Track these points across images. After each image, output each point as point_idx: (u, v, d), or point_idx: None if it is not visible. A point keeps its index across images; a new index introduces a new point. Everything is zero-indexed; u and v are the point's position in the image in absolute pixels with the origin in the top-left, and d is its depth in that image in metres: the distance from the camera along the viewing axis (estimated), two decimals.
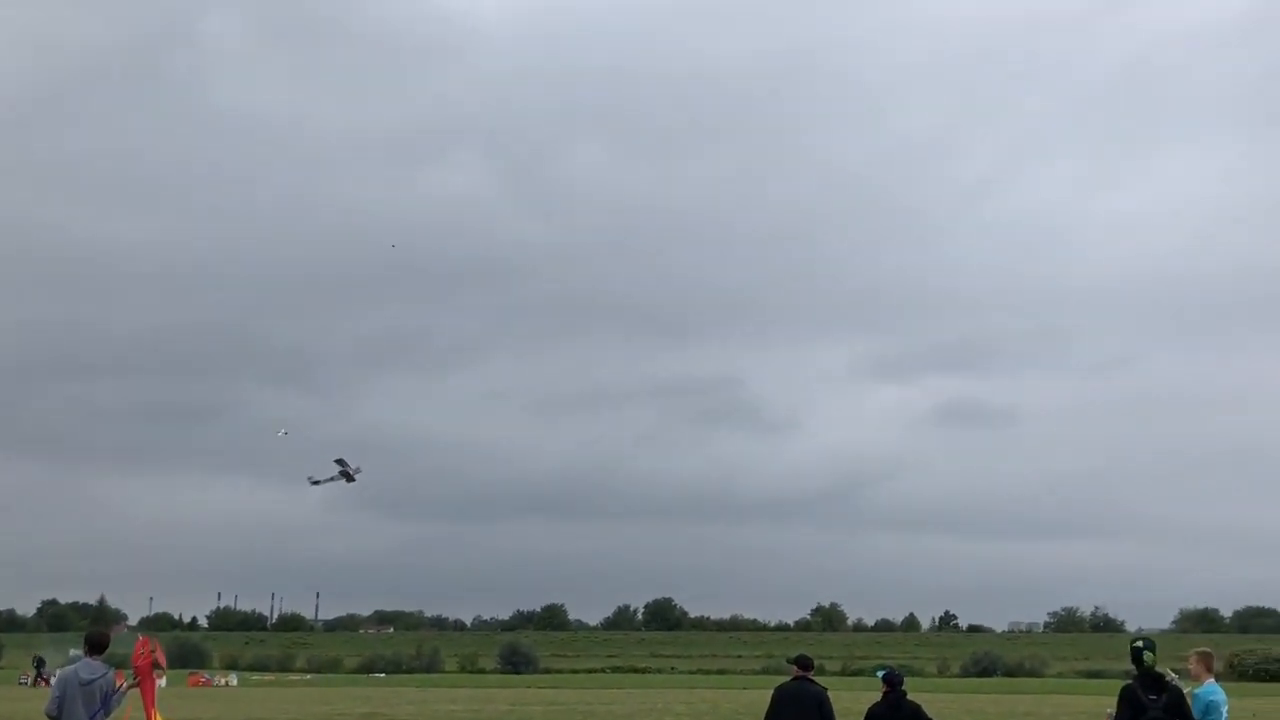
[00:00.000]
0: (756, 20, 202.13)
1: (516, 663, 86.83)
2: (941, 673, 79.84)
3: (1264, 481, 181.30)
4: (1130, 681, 9.30)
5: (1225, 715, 9.97)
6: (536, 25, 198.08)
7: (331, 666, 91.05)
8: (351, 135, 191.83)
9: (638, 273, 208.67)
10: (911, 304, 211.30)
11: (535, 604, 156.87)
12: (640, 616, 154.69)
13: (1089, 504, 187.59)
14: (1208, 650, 10.53)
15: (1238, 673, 66.13)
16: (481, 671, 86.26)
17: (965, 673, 78.25)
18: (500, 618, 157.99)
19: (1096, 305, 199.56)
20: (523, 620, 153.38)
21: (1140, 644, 9.51)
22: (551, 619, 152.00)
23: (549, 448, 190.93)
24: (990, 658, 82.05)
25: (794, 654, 11.73)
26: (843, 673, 78.02)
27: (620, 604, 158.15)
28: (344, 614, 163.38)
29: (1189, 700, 9.65)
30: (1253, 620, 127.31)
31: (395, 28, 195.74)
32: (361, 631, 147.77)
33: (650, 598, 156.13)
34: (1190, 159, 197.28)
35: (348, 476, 42.43)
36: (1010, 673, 77.50)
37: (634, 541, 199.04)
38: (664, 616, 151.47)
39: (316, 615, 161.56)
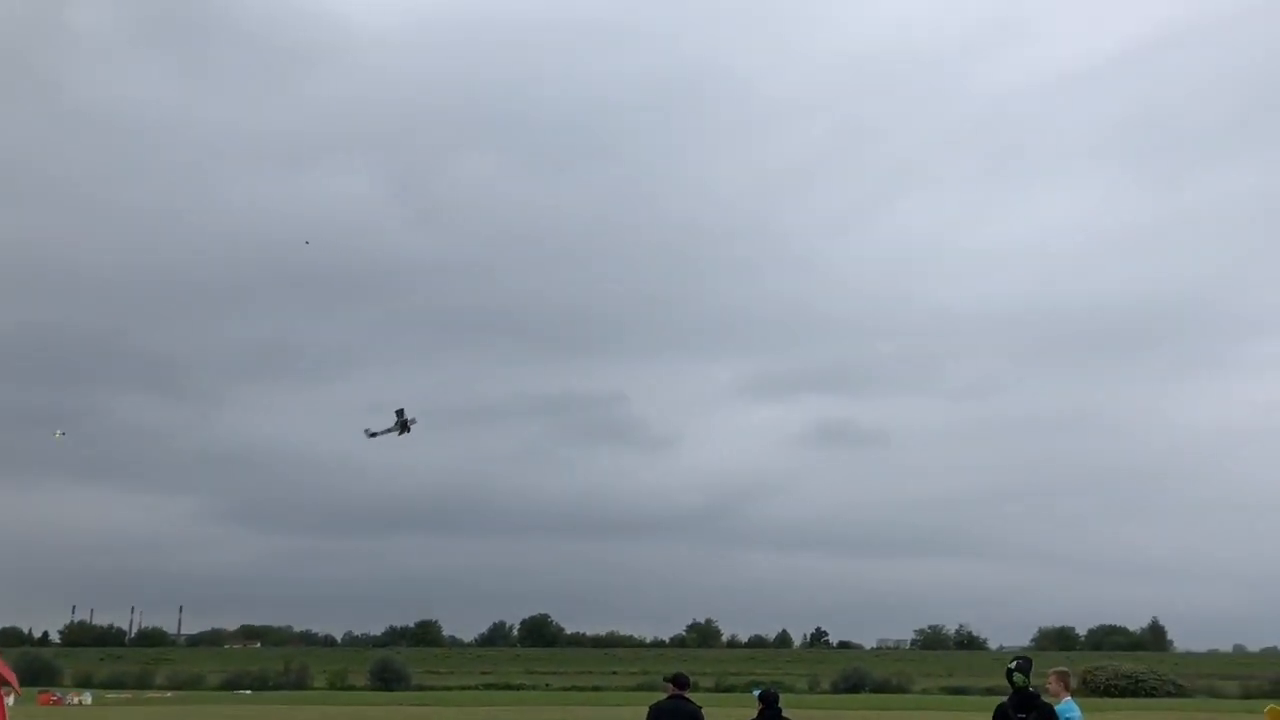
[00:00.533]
0: (647, 43, 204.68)
1: (388, 679, 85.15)
2: (812, 689, 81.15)
3: (1118, 504, 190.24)
4: (1003, 700, 9.68)
5: None
6: (431, 35, 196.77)
7: (194, 683, 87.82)
8: (231, 137, 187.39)
9: (522, 287, 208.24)
10: (790, 326, 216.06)
11: (409, 620, 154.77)
12: (516, 633, 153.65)
13: (955, 524, 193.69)
14: (1065, 669, 11.06)
15: (1091, 688, 68.90)
16: (352, 688, 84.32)
17: (835, 689, 79.68)
18: (372, 633, 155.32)
19: (964, 333, 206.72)
20: (395, 636, 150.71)
21: (1013, 664, 9.92)
22: (425, 635, 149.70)
23: (427, 462, 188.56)
24: (859, 674, 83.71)
25: (670, 671, 11.86)
26: (716, 689, 78.69)
27: (496, 620, 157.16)
28: (208, 629, 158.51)
29: None
30: (1105, 638, 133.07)
31: (283, 29, 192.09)
32: (227, 647, 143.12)
33: (526, 614, 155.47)
34: (1052, 197, 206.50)
35: (404, 427, 40.92)
36: (878, 688, 79.23)
37: (511, 558, 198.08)
38: (540, 633, 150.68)
39: (179, 630, 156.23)
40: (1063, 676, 10.86)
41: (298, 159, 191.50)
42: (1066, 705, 10.49)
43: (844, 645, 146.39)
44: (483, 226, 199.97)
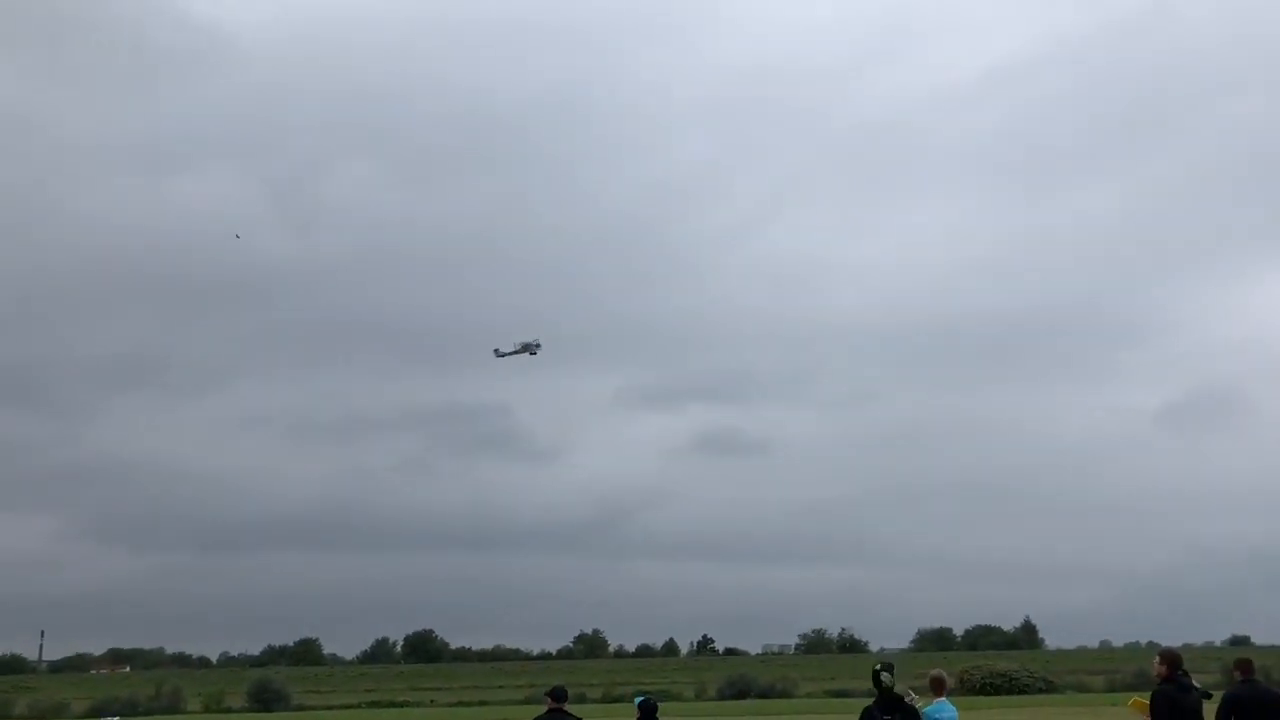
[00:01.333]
0: (534, 53, 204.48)
1: (267, 700, 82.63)
2: (699, 696, 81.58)
3: (989, 509, 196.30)
4: (870, 703, 9.78)
5: None
6: (307, 40, 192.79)
7: (57, 712, 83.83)
8: (92, 140, 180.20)
9: (402, 297, 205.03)
10: (676, 338, 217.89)
11: (287, 638, 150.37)
12: (399, 649, 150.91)
13: (835, 530, 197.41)
14: (938, 673, 11.30)
15: (968, 687, 70.83)
16: (228, 711, 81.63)
17: (721, 695, 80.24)
18: (250, 653, 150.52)
19: (844, 344, 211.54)
20: (274, 655, 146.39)
21: (879, 666, 10.05)
22: (305, 654, 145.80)
23: (303, 476, 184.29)
24: (745, 680, 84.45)
25: (556, 683, 11.73)
26: (604, 700, 78.53)
27: (378, 637, 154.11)
28: (73, 654, 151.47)
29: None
30: (981, 637, 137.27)
31: (148, 32, 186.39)
32: (93, 672, 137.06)
33: (410, 630, 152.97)
34: (931, 211, 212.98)
35: (530, 350, 39.75)
36: (763, 694, 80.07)
37: (393, 573, 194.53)
38: (424, 649, 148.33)
39: (40, 656, 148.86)
40: (935, 680, 11.13)
41: (163, 166, 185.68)
42: (937, 706, 10.71)
43: (730, 652, 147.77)
44: (360, 236, 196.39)
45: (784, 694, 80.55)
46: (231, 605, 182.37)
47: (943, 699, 10.81)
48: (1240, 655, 12.60)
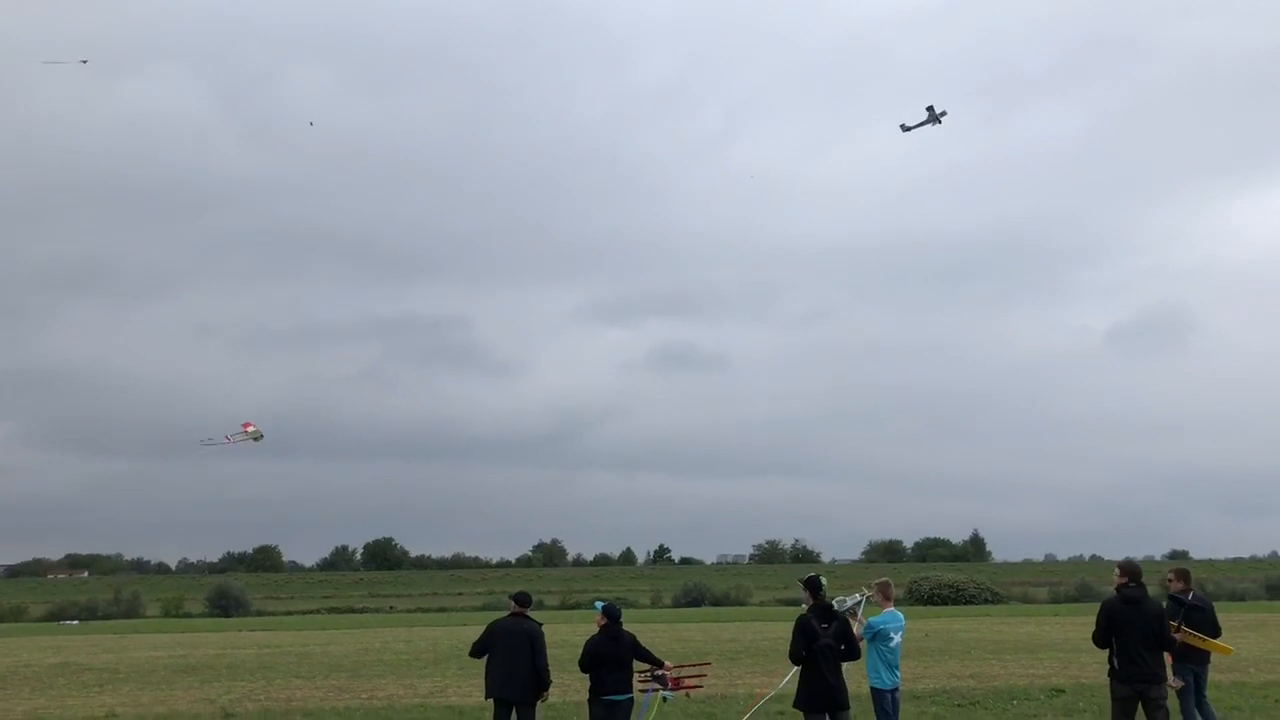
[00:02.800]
0: None
1: (226, 606, 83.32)
2: (655, 604, 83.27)
3: (943, 426, 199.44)
4: (804, 612, 9.94)
5: (898, 639, 10.95)
6: None
7: (14, 615, 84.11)
8: (36, 41, 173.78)
9: (361, 208, 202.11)
10: (636, 253, 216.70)
11: (246, 545, 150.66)
12: (359, 557, 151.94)
13: (791, 444, 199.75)
14: (884, 581, 11.55)
15: (916, 597, 72.79)
16: (187, 616, 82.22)
17: (677, 603, 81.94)
18: (208, 560, 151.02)
19: (804, 262, 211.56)
20: (233, 562, 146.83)
21: (807, 577, 10.21)
22: (264, 561, 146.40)
23: (260, 384, 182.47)
24: (700, 589, 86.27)
25: (514, 590, 11.89)
26: (561, 606, 79.91)
27: (337, 544, 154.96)
28: (29, 559, 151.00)
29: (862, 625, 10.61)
30: (930, 550, 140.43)
31: None
32: (50, 577, 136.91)
33: (369, 538, 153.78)
34: (889, 133, 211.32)
35: (936, 119, 39.14)
36: (718, 602, 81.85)
37: (353, 482, 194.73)
38: (383, 557, 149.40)
39: None
40: (882, 587, 11.37)
41: (113, 69, 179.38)
42: (883, 616, 11.00)
43: (686, 561, 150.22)
44: (319, 144, 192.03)
45: (737, 602, 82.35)
46: (189, 512, 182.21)
47: (891, 607, 11.08)
48: (1178, 565, 13.10)
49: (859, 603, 10.95)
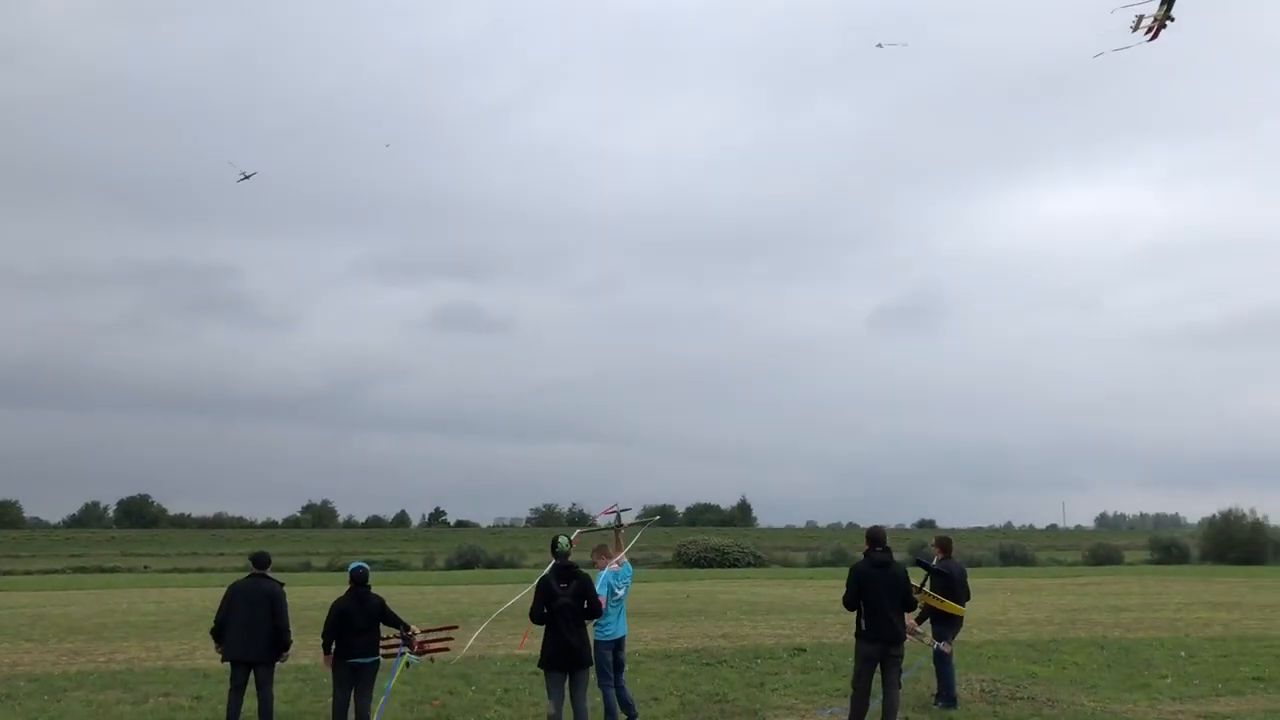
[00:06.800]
0: None
1: None
2: (427, 566, 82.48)
3: (713, 396, 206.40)
4: (545, 573, 10.15)
5: (622, 593, 11.26)
6: None
7: None
8: None
9: (122, 143, 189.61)
10: (421, 210, 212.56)
11: None
12: (111, 514, 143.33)
13: (572, 410, 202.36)
14: (603, 543, 11.93)
15: (684, 560, 75.04)
16: None
17: (450, 565, 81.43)
18: None
19: (595, 230, 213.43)
20: None
21: (558, 536, 10.48)
22: (3, 517, 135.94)
23: (4, 327, 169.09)
24: (474, 551, 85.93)
25: (279, 550, 11.58)
26: (329, 569, 77.95)
27: (88, 500, 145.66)
28: None
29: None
30: (700, 514, 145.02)
31: None
32: None
33: (124, 494, 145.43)
34: (686, 108, 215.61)
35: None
36: (491, 565, 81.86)
37: (106, 434, 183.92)
38: (139, 514, 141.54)
39: None
40: (600, 549, 11.75)
41: None
42: (622, 569, 11.41)
43: (462, 524, 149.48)
44: (71, 72, 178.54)
45: (511, 565, 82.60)
46: None
47: (614, 565, 11.45)
48: (940, 534, 14.13)
49: (618, 517, 11.30)
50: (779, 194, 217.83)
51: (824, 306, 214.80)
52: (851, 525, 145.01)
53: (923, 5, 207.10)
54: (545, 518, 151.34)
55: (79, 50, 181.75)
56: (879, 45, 44.24)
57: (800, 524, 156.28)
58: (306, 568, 76.02)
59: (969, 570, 14.60)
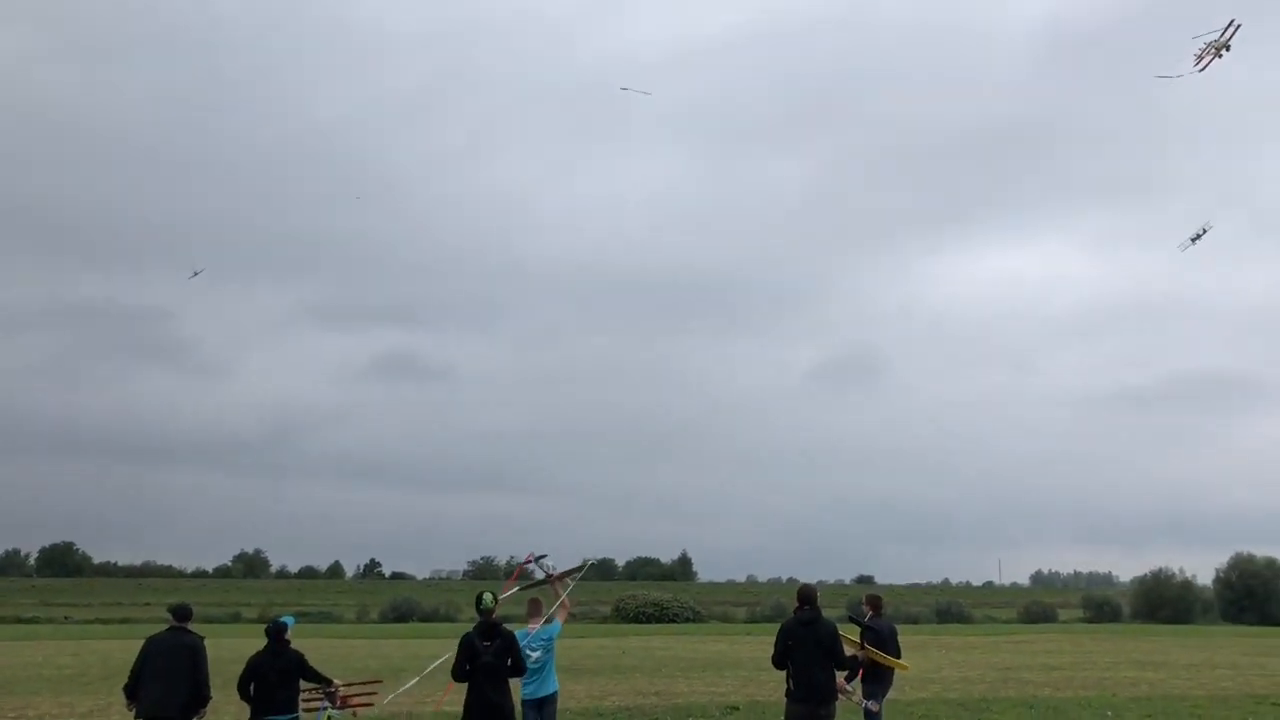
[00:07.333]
0: None
1: None
2: (360, 618, 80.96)
3: (661, 450, 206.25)
4: (469, 630, 10.02)
5: (536, 654, 11.12)
6: None
7: None
8: None
9: (57, 184, 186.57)
10: (361, 257, 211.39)
11: None
12: (33, 562, 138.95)
13: (512, 461, 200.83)
14: (533, 598, 11.85)
15: (623, 615, 74.39)
16: None
17: (384, 618, 79.97)
18: None
19: (537, 282, 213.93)
20: None
21: (482, 592, 10.37)
22: None
23: None
24: (409, 603, 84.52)
25: (212, 601, 11.32)
26: (259, 620, 76.13)
27: (8, 548, 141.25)
28: None
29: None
30: (640, 568, 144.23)
31: None
32: None
33: (46, 542, 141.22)
34: (632, 166, 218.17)
35: None
36: (427, 618, 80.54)
37: (31, 480, 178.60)
38: (62, 562, 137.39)
39: None
40: (534, 604, 11.68)
41: None
42: (549, 628, 11.31)
43: (397, 576, 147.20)
44: (4, 111, 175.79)
45: (447, 618, 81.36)
46: None
47: (543, 622, 11.37)
48: (871, 591, 14.19)
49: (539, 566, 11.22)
50: (720, 250, 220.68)
51: (763, 362, 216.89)
52: (791, 580, 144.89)
53: (862, 71, 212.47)
54: (482, 570, 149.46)
55: (14, 89, 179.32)
56: (623, 89, 45.46)
57: (741, 578, 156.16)
58: (236, 619, 74.22)
59: (904, 628, 14.67)
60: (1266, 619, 68.72)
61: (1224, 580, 73.42)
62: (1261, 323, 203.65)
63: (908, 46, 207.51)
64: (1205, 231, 44.97)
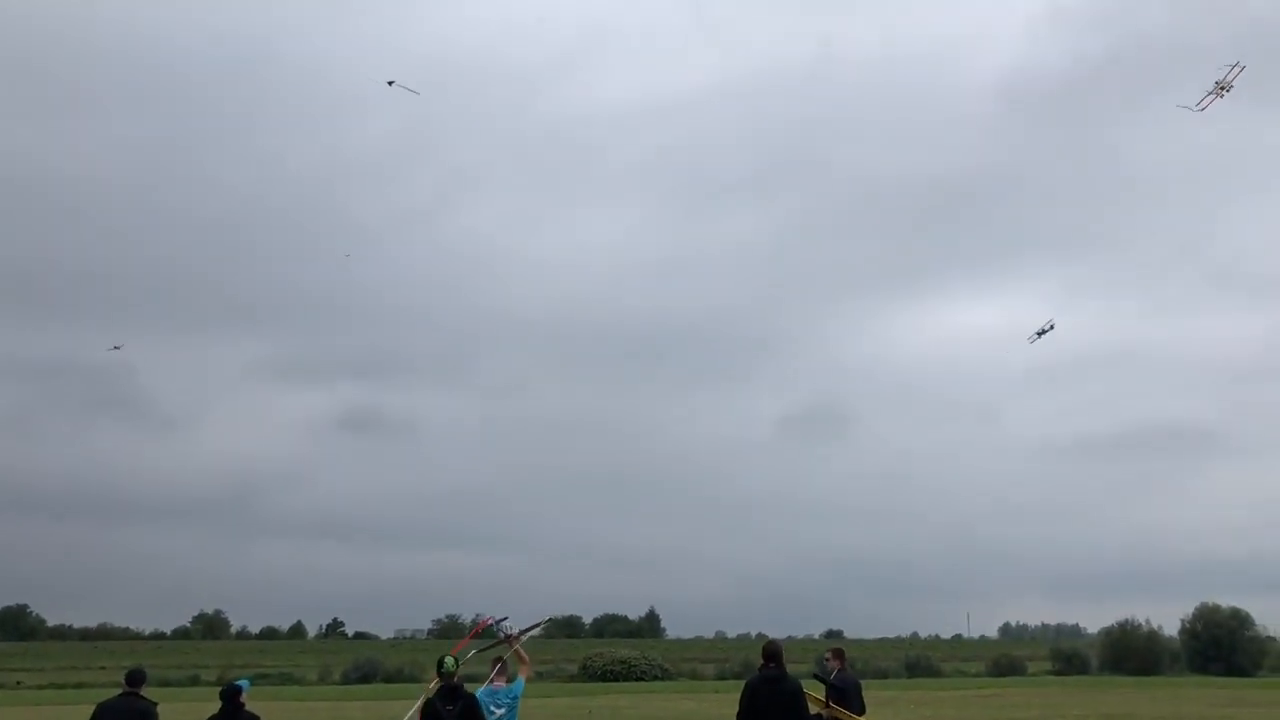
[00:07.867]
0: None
1: None
2: (322, 679, 79.52)
3: (628, 503, 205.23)
4: (430, 694, 9.88)
5: (499, 713, 10.95)
6: None
7: None
8: None
9: (11, 236, 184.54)
10: (328, 313, 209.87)
11: None
12: None
13: (477, 517, 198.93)
14: (496, 656, 11.72)
15: (590, 673, 73.43)
16: None
17: (347, 679, 78.55)
18: None
19: (503, 334, 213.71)
20: None
21: (444, 656, 10.24)
22: None
23: None
24: (372, 664, 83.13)
25: (166, 664, 11.07)
26: (218, 683, 74.51)
27: None
28: None
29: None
30: (607, 625, 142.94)
31: None
32: None
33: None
34: (595, 217, 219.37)
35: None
36: (390, 678, 79.18)
37: None
38: (15, 625, 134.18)
39: None
40: (498, 664, 11.55)
41: None
42: (519, 684, 11.17)
43: (361, 636, 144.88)
44: None
45: (412, 678, 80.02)
46: None
47: (498, 684, 11.22)
48: (835, 645, 14.11)
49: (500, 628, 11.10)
50: (686, 301, 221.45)
51: (731, 414, 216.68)
52: (760, 635, 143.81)
53: (827, 125, 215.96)
54: (448, 629, 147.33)
55: None
56: (390, 83, 43.94)
57: (709, 634, 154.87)
58: (195, 681, 72.60)
59: (873, 683, 14.56)
60: (1233, 669, 68.84)
61: (1190, 630, 73.52)
62: (1220, 373, 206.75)
63: (872, 100, 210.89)
64: (1050, 328, 48.43)
